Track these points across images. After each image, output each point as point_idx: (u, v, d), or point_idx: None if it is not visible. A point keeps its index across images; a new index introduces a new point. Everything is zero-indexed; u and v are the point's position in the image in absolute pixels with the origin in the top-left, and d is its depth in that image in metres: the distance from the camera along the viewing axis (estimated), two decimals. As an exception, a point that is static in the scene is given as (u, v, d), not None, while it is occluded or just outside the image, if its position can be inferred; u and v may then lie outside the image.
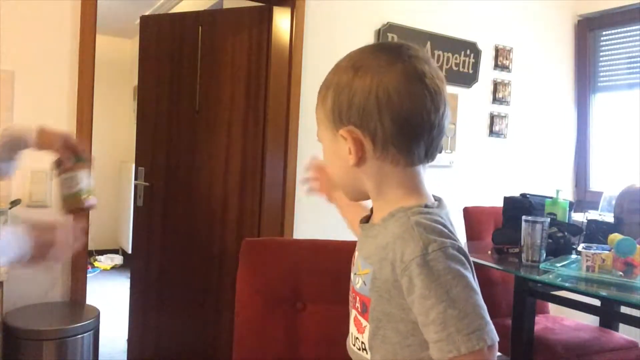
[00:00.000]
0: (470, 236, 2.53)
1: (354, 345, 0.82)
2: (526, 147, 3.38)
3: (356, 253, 0.84)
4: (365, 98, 0.74)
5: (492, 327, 0.68)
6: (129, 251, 4.76)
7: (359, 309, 0.79)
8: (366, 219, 0.86)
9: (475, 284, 0.70)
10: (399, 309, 0.73)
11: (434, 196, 0.81)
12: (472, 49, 3.07)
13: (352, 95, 0.75)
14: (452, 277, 0.69)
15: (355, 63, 0.77)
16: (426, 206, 0.77)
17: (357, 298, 0.80)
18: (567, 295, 1.90)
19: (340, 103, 0.76)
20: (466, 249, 0.74)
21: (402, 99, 0.73)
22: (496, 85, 3.22)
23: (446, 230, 0.73)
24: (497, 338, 0.68)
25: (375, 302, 0.76)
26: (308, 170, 1.14)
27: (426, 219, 0.74)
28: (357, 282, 0.80)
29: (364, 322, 0.79)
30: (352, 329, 0.83)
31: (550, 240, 1.99)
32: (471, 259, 0.75)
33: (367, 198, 0.83)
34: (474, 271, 0.73)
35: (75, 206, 1.16)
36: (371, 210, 0.86)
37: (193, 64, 2.73)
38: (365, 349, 0.79)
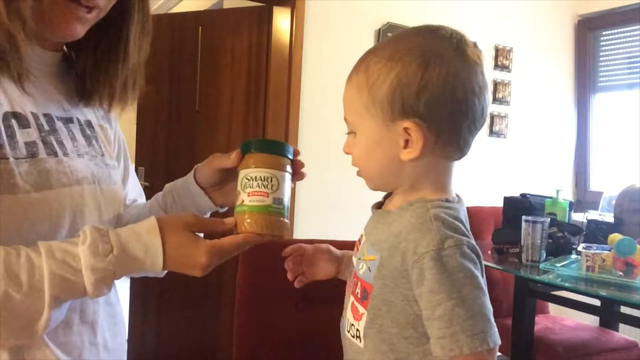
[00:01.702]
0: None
1: (349, 332, 0.80)
2: (526, 147, 3.38)
3: (363, 238, 0.81)
4: (440, 92, 0.71)
5: (496, 330, 0.68)
6: (129, 251, 4.75)
7: (358, 295, 0.77)
8: (378, 205, 0.83)
9: (484, 285, 0.70)
10: (403, 299, 0.72)
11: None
12: (472, 49, 3.06)
13: (422, 87, 0.70)
14: (464, 276, 0.68)
15: (423, 51, 0.71)
16: (447, 200, 0.75)
17: (359, 284, 0.77)
18: (567, 295, 1.90)
19: (406, 94, 0.71)
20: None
21: (474, 94, 0.73)
22: (496, 85, 3.22)
23: (463, 228, 0.73)
24: (499, 342, 0.68)
25: (378, 289, 0.74)
26: (288, 259, 0.98)
27: (446, 213, 0.72)
28: (361, 267, 0.77)
29: (361, 309, 0.76)
30: (348, 314, 0.80)
31: (550, 240, 1.99)
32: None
33: (392, 189, 0.79)
34: (484, 272, 0.73)
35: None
36: (384, 197, 0.84)
37: (193, 64, 2.73)
38: (359, 337, 0.77)
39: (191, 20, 2.81)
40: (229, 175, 0.84)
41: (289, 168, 0.80)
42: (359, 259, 0.79)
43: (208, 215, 0.93)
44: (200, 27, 2.73)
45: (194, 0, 3.86)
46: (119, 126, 0.99)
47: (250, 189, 0.76)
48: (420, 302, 0.70)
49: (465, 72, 0.72)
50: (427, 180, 0.76)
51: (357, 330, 0.77)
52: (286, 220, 0.79)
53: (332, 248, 0.97)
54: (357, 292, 0.78)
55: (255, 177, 0.76)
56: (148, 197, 1.00)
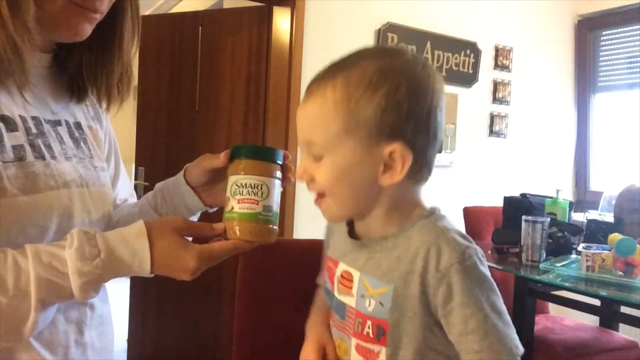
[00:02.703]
0: (470, 236, 2.52)
1: None
2: (526, 147, 3.38)
3: (352, 272, 0.75)
4: (424, 117, 0.69)
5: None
6: (129, 251, 4.75)
7: (371, 335, 0.72)
8: (349, 234, 0.79)
9: None
10: (424, 327, 0.69)
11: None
12: (472, 49, 3.07)
13: (410, 110, 0.68)
14: (487, 284, 0.68)
15: (404, 73, 0.69)
16: (435, 211, 0.74)
17: (368, 322, 0.72)
18: (567, 295, 1.91)
19: (396, 117, 0.67)
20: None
21: (442, 118, 0.72)
22: (496, 85, 3.22)
23: (466, 235, 0.72)
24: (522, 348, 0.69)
25: (396, 321, 0.70)
26: None
27: (449, 223, 0.72)
28: (368, 304, 0.72)
29: (377, 348, 0.72)
30: (355, 358, 0.75)
31: (550, 240, 1.99)
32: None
33: (362, 216, 0.75)
34: None
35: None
36: (350, 225, 0.80)
37: (193, 64, 2.73)
38: None
39: (191, 20, 2.81)
40: (219, 176, 0.84)
41: (278, 174, 0.79)
42: (362, 296, 0.73)
43: (198, 215, 0.94)
44: (200, 27, 2.73)
45: (194, 0, 3.86)
46: (111, 125, 0.99)
47: (240, 196, 0.76)
48: (450, 318, 0.67)
49: (440, 97, 0.71)
50: (405, 203, 0.74)
51: None
52: (275, 227, 0.79)
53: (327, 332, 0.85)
54: (368, 332, 0.72)
55: (245, 184, 0.76)
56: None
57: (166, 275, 0.75)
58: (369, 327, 0.72)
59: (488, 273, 0.69)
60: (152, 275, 0.75)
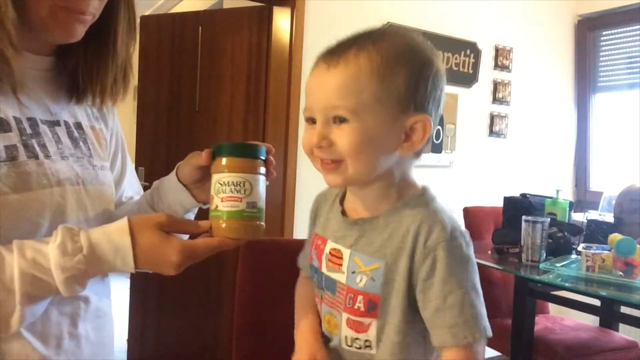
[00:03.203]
0: (470, 236, 2.52)
1: (351, 345, 0.78)
2: (526, 147, 3.38)
3: (342, 250, 0.78)
4: (440, 91, 0.75)
5: None
6: (129, 251, 4.75)
7: (362, 309, 0.75)
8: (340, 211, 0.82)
9: None
10: (407, 303, 0.73)
11: None
12: (472, 49, 3.07)
13: (434, 85, 0.73)
14: (470, 265, 0.71)
15: (429, 47, 0.75)
16: (428, 191, 0.78)
17: (359, 297, 0.75)
18: (567, 295, 1.91)
19: (423, 91, 0.72)
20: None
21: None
22: (496, 85, 3.22)
23: (457, 219, 0.75)
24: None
25: (387, 295, 0.74)
26: None
27: (440, 204, 0.75)
28: (360, 280, 0.75)
29: (367, 320, 0.76)
30: (345, 332, 0.78)
31: (550, 240, 1.99)
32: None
33: (370, 183, 0.76)
34: None
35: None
36: (341, 203, 0.83)
37: (193, 64, 2.73)
38: (369, 346, 0.77)
39: (191, 20, 2.81)
40: (208, 173, 0.85)
41: (262, 170, 0.80)
42: (353, 272, 0.76)
43: (195, 212, 0.95)
44: (200, 27, 2.73)
45: (194, 0, 3.86)
46: (120, 125, 1.00)
47: (223, 194, 0.76)
48: (429, 293, 0.71)
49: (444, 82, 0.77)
50: (406, 174, 0.78)
51: (366, 340, 0.77)
52: (261, 223, 0.79)
53: (317, 342, 0.85)
54: (359, 306, 0.75)
55: (228, 182, 0.76)
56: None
57: (152, 271, 0.76)
58: (360, 302, 0.75)
59: (473, 256, 0.73)
60: (136, 271, 0.75)
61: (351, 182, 0.77)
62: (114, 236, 0.72)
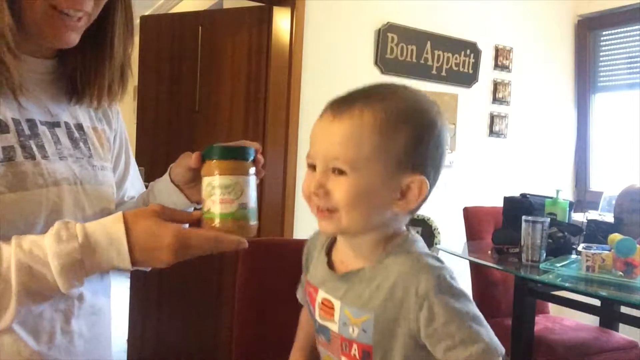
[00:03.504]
0: (470, 236, 2.52)
1: None
2: (526, 147, 3.38)
3: (333, 302, 0.79)
4: (440, 155, 0.76)
5: None
6: (129, 251, 4.75)
7: (358, 357, 0.76)
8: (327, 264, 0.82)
9: None
10: (406, 346, 0.74)
11: None
12: (472, 49, 3.07)
13: (434, 147, 0.74)
14: (465, 298, 0.73)
15: (434, 108, 0.76)
16: (407, 231, 0.79)
17: (354, 346, 0.76)
18: (567, 295, 1.90)
19: (422, 151, 0.74)
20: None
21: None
22: (496, 85, 3.22)
23: (436, 255, 0.77)
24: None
25: (380, 344, 0.75)
26: None
27: (420, 247, 0.77)
28: (352, 331, 0.76)
29: None
30: None
31: (550, 240, 1.99)
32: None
33: (363, 234, 0.78)
34: None
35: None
36: (328, 252, 0.84)
37: (193, 64, 2.73)
38: None
39: (191, 20, 2.81)
40: (200, 174, 0.86)
41: (252, 170, 0.81)
42: (344, 324, 0.77)
43: (190, 211, 0.95)
44: (200, 27, 2.73)
45: (194, 0, 3.86)
46: (124, 126, 1.01)
47: (214, 196, 0.77)
48: (436, 337, 0.71)
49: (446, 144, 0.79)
50: (393, 234, 0.78)
51: None
52: (253, 223, 0.80)
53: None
54: (355, 354, 0.77)
55: (219, 185, 0.77)
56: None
57: (147, 265, 0.77)
58: (355, 350, 0.77)
59: (462, 288, 0.74)
60: (132, 268, 0.76)
61: (344, 231, 0.78)
62: (108, 224, 0.73)
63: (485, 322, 0.73)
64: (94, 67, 0.87)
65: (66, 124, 0.86)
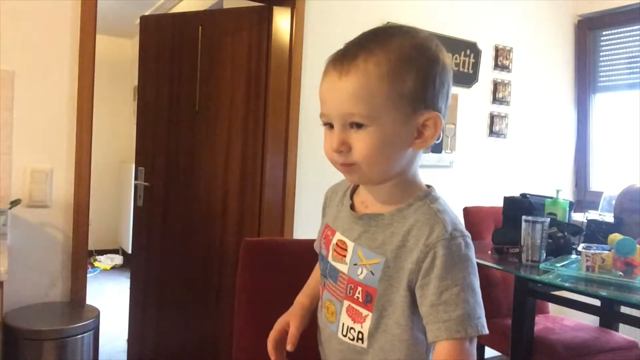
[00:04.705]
0: (470, 236, 2.52)
1: (345, 335, 0.82)
2: (526, 147, 3.38)
3: (347, 242, 0.82)
4: (447, 86, 0.78)
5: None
6: (129, 251, 4.76)
7: (360, 299, 0.79)
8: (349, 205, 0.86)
9: None
10: (404, 300, 0.76)
11: None
12: (472, 49, 3.07)
13: (441, 82, 0.76)
14: (469, 265, 0.73)
15: (434, 43, 0.78)
16: (432, 191, 0.81)
17: (359, 288, 0.79)
18: (567, 295, 1.90)
19: (431, 89, 0.75)
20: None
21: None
22: (496, 85, 3.22)
23: (459, 220, 0.78)
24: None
25: (384, 291, 0.77)
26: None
27: (443, 205, 0.78)
28: (360, 272, 0.79)
29: (364, 312, 0.79)
30: (343, 319, 0.82)
31: (550, 240, 1.99)
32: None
33: (385, 182, 0.79)
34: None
35: None
36: (351, 197, 0.87)
37: (193, 64, 2.73)
38: (361, 339, 0.80)
39: (191, 20, 2.81)
40: None
41: None
42: (355, 264, 0.80)
43: None
44: (200, 27, 2.73)
45: (194, 0, 3.86)
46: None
47: None
48: (426, 289, 0.73)
49: (451, 75, 0.80)
50: (415, 173, 0.81)
51: (360, 332, 0.80)
52: None
53: (298, 310, 0.99)
54: (358, 297, 0.79)
55: None
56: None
57: None
58: (359, 293, 0.79)
59: (473, 256, 0.75)
60: None
61: (368, 181, 0.81)
62: None
63: (480, 299, 0.73)
64: None
65: None
